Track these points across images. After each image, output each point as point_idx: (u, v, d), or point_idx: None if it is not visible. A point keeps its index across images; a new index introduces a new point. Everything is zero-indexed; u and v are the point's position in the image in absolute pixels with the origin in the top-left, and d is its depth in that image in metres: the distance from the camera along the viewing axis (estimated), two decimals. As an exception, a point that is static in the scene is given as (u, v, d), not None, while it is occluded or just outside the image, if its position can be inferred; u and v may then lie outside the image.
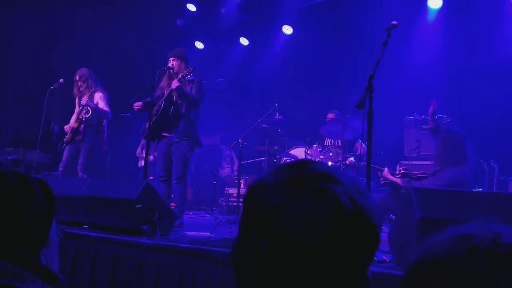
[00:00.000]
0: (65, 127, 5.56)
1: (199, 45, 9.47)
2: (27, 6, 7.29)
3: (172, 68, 4.71)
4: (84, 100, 5.44)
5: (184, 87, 4.62)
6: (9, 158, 6.30)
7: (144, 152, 7.86)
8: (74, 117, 5.59)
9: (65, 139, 5.48)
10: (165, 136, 4.72)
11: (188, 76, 4.60)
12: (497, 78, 6.27)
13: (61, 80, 5.61)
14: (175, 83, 4.49)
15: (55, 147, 5.56)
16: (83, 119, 5.45)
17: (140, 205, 3.37)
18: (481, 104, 6.28)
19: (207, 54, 9.44)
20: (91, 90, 5.57)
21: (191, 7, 9.02)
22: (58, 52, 6.69)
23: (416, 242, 2.25)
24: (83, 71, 5.61)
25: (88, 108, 5.46)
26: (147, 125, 4.72)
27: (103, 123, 5.66)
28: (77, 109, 5.62)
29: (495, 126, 6.22)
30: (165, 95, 4.61)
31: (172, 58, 4.75)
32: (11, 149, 6.48)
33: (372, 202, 0.72)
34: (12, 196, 0.96)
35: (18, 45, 7.10)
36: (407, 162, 6.25)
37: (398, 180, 4.47)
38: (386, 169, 4.59)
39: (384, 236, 3.62)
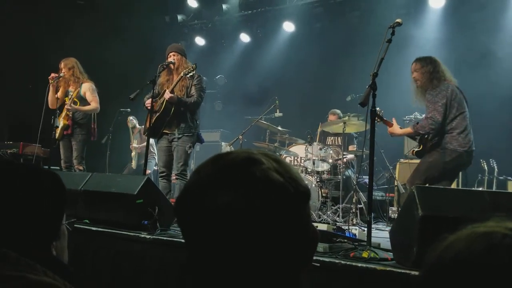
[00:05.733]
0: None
1: (199, 41, 9.44)
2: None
3: (173, 63, 4.69)
4: (68, 107, 5.40)
5: (184, 83, 4.62)
6: (8, 151, 6.27)
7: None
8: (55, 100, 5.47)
9: (56, 136, 5.46)
10: (166, 133, 4.72)
11: (190, 73, 4.57)
12: (498, 76, 6.28)
13: (62, 73, 5.58)
14: (167, 94, 4.49)
15: (54, 142, 5.54)
16: (70, 114, 5.44)
17: (141, 200, 3.37)
18: (482, 103, 6.28)
19: (208, 50, 9.42)
20: (79, 81, 5.51)
21: (192, 3, 9.00)
22: (59, 46, 6.66)
23: (418, 240, 2.25)
24: (69, 59, 5.57)
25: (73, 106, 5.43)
26: (147, 123, 4.72)
27: (91, 115, 5.61)
28: (60, 94, 5.54)
29: (495, 125, 6.23)
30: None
31: (172, 53, 4.74)
32: (11, 142, 6.45)
33: (296, 175, 0.75)
34: (26, 189, 0.96)
35: (18, 37, 7.06)
36: (406, 161, 6.26)
37: (409, 129, 4.14)
38: (394, 122, 4.26)
39: (386, 234, 3.63)
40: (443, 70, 4.04)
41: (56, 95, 5.54)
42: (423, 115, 6.41)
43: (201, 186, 0.72)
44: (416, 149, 4.21)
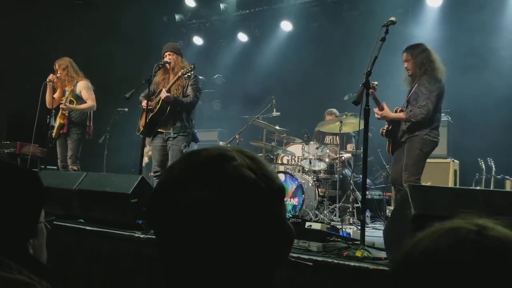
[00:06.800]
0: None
1: (197, 40, 9.43)
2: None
3: (169, 62, 4.70)
4: (63, 106, 5.38)
5: (180, 83, 4.63)
6: (5, 151, 6.27)
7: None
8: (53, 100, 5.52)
9: (53, 135, 5.45)
10: (161, 132, 4.72)
11: (188, 74, 4.58)
12: (495, 76, 6.27)
13: (58, 74, 5.57)
14: (163, 94, 4.50)
15: (51, 141, 5.54)
16: (66, 113, 5.42)
17: (136, 200, 3.37)
18: (479, 103, 6.28)
19: (206, 49, 9.41)
20: (73, 81, 5.49)
21: (190, 3, 8.99)
22: (57, 46, 6.65)
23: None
24: (63, 59, 5.56)
25: (69, 105, 5.40)
26: (142, 122, 4.71)
27: (87, 114, 5.58)
28: (57, 95, 5.53)
29: (493, 124, 6.23)
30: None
31: (168, 52, 4.74)
32: (8, 142, 6.45)
33: (270, 172, 0.75)
34: (3, 187, 0.95)
35: (17, 37, 7.06)
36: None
37: (401, 115, 4.05)
38: (385, 106, 4.12)
39: (380, 233, 3.62)
40: (435, 59, 4.07)
41: (53, 96, 5.54)
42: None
43: (174, 182, 0.72)
44: (386, 128, 4.21)
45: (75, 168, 5.36)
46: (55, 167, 5.74)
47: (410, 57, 4.06)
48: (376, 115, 4.09)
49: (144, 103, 4.66)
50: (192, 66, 4.59)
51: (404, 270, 0.60)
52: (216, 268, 0.69)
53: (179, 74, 4.57)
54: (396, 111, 4.14)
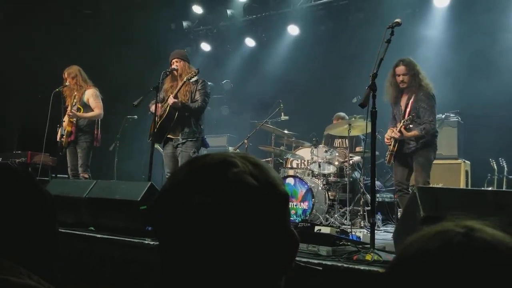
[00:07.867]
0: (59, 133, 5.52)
1: (205, 46, 9.48)
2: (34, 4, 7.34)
3: (176, 69, 4.73)
4: (70, 113, 5.39)
5: (188, 89, 4.65)
6: (17, 161, 6.35)
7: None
8: (66, 118, 5.54)
9: (63, 144, 5.48)
10: (170, 139, 4.74)
11: (193, 78, 4.62)
12: (505, 75, 6.20)
13: (67, 83, 5.63)
14: (171, 100, 4.53)
15: (61, 150, 5.59)
16: (73, 120, 5.45)
17: (145, 206, 3.38)
18: (489, 102, 6.21)
19: (214, 55, 9.45)
20: (82, 89, 5.52)
21: (197, 9, 9.05)
22: (66, 54, 6.74)
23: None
24: (72, 68, 5.59)
25: (76, 113, 5.42)
26: (151, 128, 4.75)
27: (95, 122, 5.62)
28: (69, 109, 5.53)
29: (504, 124, 6.15)
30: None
31: (175, 59, 4.77)
32: (19, 152, 6.53)
33: (274, 179, 0.75)
34: (22, 193, 0.96)
35: (26, 47, 7.16)
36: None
37: (416, 133, 4.20)
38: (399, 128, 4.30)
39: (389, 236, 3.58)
40: (424, 73, 4.31)
41: (63, 106, 5.60)
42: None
43: (177, 187, 0.73)
44: (393, 145, 4.38)
45: (86, 176, 5.40)
46: (66, 176, 5.80)
47: (408, 71, 4.22)
48: (394, 135, 4.30)
49: (152, 108, 4.69)
50: (196, 70, 4.63)
51: (397, 273, 0.62)
52: (219, 272, 0.69)
53: (184, 79, 4.60)
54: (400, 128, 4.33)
